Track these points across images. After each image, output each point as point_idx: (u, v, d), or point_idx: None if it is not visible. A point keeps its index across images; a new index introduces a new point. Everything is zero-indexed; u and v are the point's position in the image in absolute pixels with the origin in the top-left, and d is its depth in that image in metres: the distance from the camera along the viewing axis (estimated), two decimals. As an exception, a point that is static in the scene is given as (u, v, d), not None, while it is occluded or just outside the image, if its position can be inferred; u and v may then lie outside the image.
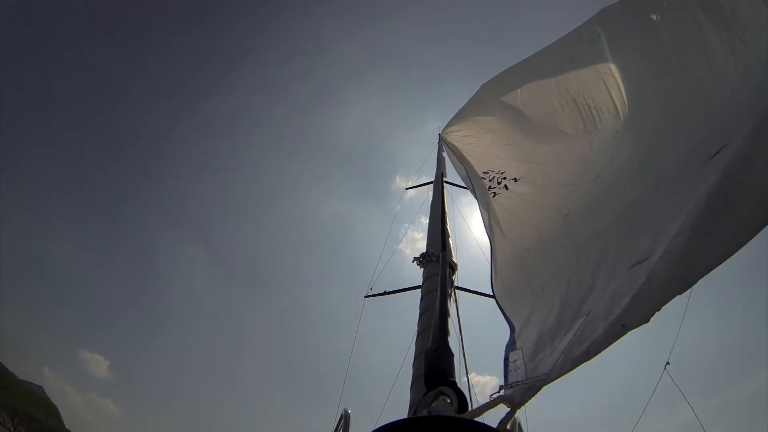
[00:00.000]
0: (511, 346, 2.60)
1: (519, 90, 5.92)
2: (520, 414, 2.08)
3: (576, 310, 2.35)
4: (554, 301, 2.66)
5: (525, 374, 2.18)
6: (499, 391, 2.19)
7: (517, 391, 2.08)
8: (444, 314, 3.46)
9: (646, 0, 4.07)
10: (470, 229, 8.03)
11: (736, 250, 1.68)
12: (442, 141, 8.15)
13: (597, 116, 4.47)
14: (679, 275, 1.78)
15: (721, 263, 1.70)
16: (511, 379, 2.24)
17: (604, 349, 1.86)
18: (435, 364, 2.64)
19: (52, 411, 78.24)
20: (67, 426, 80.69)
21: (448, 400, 2.21)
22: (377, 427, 1.69)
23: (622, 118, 4.11)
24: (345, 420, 2.07)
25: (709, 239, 1.81)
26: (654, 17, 3.91)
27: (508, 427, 1.98)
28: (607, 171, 3.77)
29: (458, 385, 2.31)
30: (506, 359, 2.48)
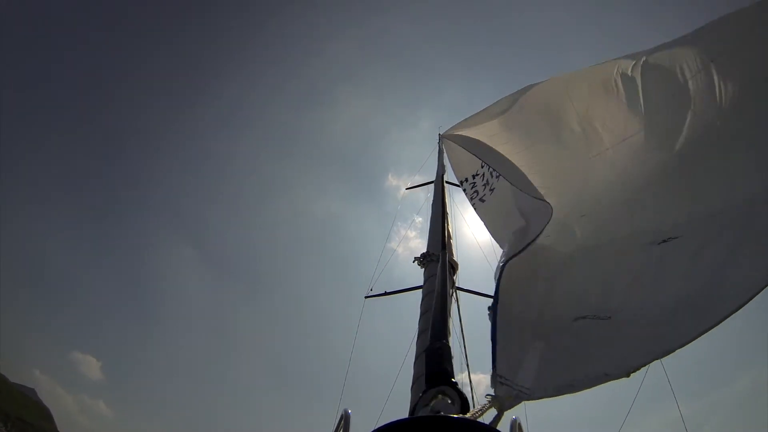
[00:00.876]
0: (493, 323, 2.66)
1: (534, 110, 5.78)
2: (520, 413, 2.09)
3: (521, 331, 2.56)
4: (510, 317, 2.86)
5: (510, 375, 2.25)
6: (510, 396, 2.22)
7: (508, 396, 2.15)
8: (444, 314, 3.44)
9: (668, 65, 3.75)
10: (470, 229, 8.03)
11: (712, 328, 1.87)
12: (442, 140, 8.16)
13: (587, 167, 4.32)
14: (655, 347, 1.97)
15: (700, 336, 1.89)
16: (499, 368, 2.29)
17: (589, 388, 2.02)
18: (435, 363, 2.61)
19: (45, 414, 77.56)
20: (60, 429, 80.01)
21: (449, 400, 2.18)
22: (377, 426, 1.65)
23: (594, 199, 3.86)
24: (345, 420, 2.03)
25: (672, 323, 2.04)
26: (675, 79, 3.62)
27: (509, 427, 1.96)
28: (554, 233, 3.80)
29: (459, 385, 2.29)
30: (494, 336, 2.53)
